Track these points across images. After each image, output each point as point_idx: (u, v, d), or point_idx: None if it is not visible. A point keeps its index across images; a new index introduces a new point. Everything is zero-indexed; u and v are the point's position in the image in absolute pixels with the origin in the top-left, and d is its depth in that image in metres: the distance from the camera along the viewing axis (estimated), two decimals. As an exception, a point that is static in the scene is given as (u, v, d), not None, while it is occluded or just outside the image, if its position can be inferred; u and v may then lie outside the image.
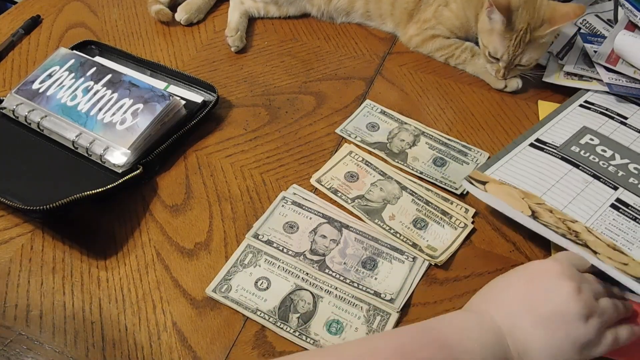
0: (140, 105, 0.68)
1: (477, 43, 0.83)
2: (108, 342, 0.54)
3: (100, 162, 0.66)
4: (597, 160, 0.66)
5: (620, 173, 0.65)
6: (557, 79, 0.80)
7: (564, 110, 0.74)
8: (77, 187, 0.60)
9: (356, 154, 0.70)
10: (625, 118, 0.73)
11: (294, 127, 0.74)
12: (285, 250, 0.60)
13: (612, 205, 0.61)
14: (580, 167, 0.65)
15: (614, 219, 0.60)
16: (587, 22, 0.89)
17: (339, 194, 0.66)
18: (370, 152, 0.71)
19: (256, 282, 0.57)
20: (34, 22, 0.87)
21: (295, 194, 0.66)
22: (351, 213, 0.64)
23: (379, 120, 0.75)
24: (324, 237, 0.62)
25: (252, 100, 0.78)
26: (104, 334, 0.54)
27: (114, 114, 0.68)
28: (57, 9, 0.91)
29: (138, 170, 0.64)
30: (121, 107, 0.68)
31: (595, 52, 0.81)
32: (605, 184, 0.64)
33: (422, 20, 0.84)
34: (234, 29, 0.84)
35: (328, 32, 0.89)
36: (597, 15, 0.90)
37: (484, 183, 0.63)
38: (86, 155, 0.66)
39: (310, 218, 0.63)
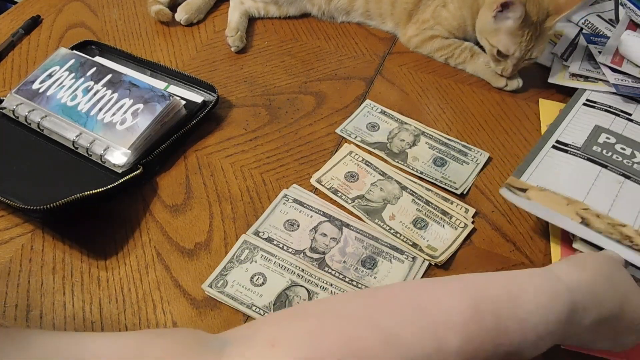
0: (141, 106, 0.68)
1: (476, 43, 0.83)
2: (108, 342, 0.54)
3: (101, 162, 0.66)
4: (620, 159, 0.66)
5: None
6: (561, 79, 0.80)
7: (571, 111, 0.73)
8: (77, 187, 0.59)
9: (356, 154, 0.70)
10: (630, 114, 0.73)
11: (294, 127, 0.74)
12: (285, 247, 0.60)
13: None
14: (609, 168, 0.64)
15: None
16: (589, 22, 0.89)
17: (339, 194, 0.66)
18: (370, 152, 0.71)
19: (252, 278, 0.58)
20: (34, 22, 0.87)
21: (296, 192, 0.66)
22: (351, 213, 0.64)
23: (379, 120, 0.75)
24: (325, 235, 0.62)
25: (252, 100, 0.78)
26: (104, 334, 0.54)
27: (114, 114, 0.68)
28: (57, 9, 0.91)
29: (138, 171, 0.64)
30: (121, 107, 0.68)
31: (599, 52, 0.81)
32: (637, 183, 0.63)
33: (420, 21, 0.84)
34: (234, 29, 0.84)
35: (328, 32, 0.89)
36: (598, 15, 0.90)
37: (524, 190, 0.61)
38: (86, 155, 0.66)
39: (311, 216, 0.63)
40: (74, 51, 0.76)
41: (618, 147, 0.67)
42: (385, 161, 0.70)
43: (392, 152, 0.71)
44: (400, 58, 0.86)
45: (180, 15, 0.87)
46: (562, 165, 0.65)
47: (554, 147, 0.68)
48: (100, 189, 0.60)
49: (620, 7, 0.87)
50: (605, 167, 0.64)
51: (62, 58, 0.74)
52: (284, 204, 0.65)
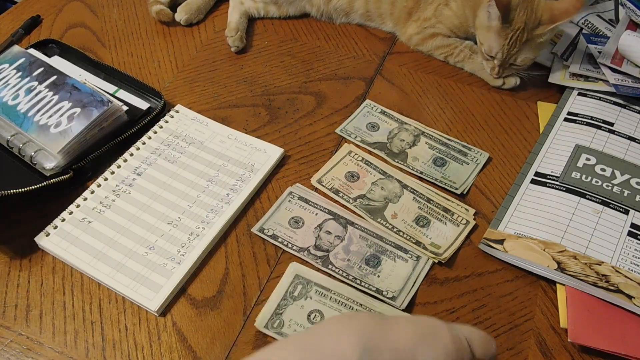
0: (78, 110, 0.66)
1: (476, 42, 0.83)
2: (108, 342, 0.54)
3: (31, 164, 0.64)
4: (600, 183, 0.66)
5: (626, 192, 0.65)
6: (562, 79, 0.80)
7: (552, 131, 0.73)
8: (3, 184, 0.59)
9: (356, 154, 0.70)
10: (612, 124, 0.73)
11: (294, 127, 0.74)
12: (289, 245, 0.60)
13: (630, 234, 0.61)
14: (587, 196, 0.64)
15: (636, 249, 0.60)
16: (589, 22, 0.89)
17: (341, 194, 0.66)
18: (370, 152, 0.71)
19: (309, 316, 0.55)
20: (34, 22, 0.87)
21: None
22: (354, 212, 0.64)
23: (379, 120, 0.75)
24: (329, 233, 0.62)
25: (252, 100, 0.78)
26: (104, 334, 0.54)
27: (50, 116, 0.66)
28: (57, 9, 0.91)
29: (67, 175, 0.63)
30: (59, 109, 0.66)
31: (599, 52, 0.81)
32: (616, 209, 0.63)
33: (422, 19, 0.84)
34: (234, 29, 0.84)
35: (328, 32, 0.89)
36: (598, 15, 0.90)
37: (501, 242, 0.61)
38: (18, 155, 0.65)
39: (316, 214, 0.63)
40: (31, 50, 0.75)
41: (598, 168, 0.67)
42: (385, 161, 0.70)
43: (392, 152, 0.71)
44: (400, 58, 0.85)
45: (180, 15, 0.87)
46: (540, 203, 0.65)
47: (532, 181, 0.67)
48: (20, 190, 0.59)
49: (620, 7, 0.87)
50: (584, 195, 0.64)
51: (13, 56, 0.72)
52: (289, 201, 0.64)
